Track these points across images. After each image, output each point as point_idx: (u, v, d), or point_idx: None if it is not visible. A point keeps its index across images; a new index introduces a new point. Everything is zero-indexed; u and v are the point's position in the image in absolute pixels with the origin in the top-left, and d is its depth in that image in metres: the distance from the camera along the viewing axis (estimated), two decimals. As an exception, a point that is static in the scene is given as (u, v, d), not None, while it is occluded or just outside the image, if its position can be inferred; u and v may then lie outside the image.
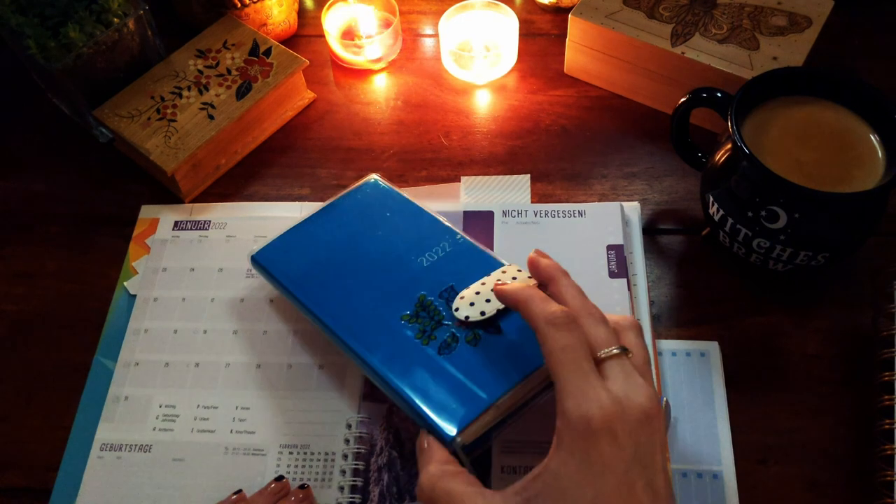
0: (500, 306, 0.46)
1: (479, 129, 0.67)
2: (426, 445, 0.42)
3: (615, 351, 0.40)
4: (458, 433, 0.42)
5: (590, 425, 0.37)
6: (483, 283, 0.48)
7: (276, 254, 0.55)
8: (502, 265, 0.50)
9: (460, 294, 0.48)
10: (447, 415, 0.43)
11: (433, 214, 0.55)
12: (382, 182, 0.58)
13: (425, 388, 0.45)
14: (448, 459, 0.41)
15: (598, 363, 0.39)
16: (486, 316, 0.46)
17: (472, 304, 0.47)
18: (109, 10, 0.62)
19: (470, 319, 0.47)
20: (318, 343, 0.54)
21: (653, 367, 0.51)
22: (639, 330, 0.43)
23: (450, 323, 0.48)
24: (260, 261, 0.55)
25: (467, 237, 0.53)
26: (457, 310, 0.47)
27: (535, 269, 0.46)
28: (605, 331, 0.41)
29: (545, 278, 0.45)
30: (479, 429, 0.43)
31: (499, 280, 0.47)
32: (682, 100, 0.55)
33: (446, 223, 0.54)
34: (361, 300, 0.50)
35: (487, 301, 0.47)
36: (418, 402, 0.44)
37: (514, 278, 0.47)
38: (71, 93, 0.63)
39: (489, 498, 0.38)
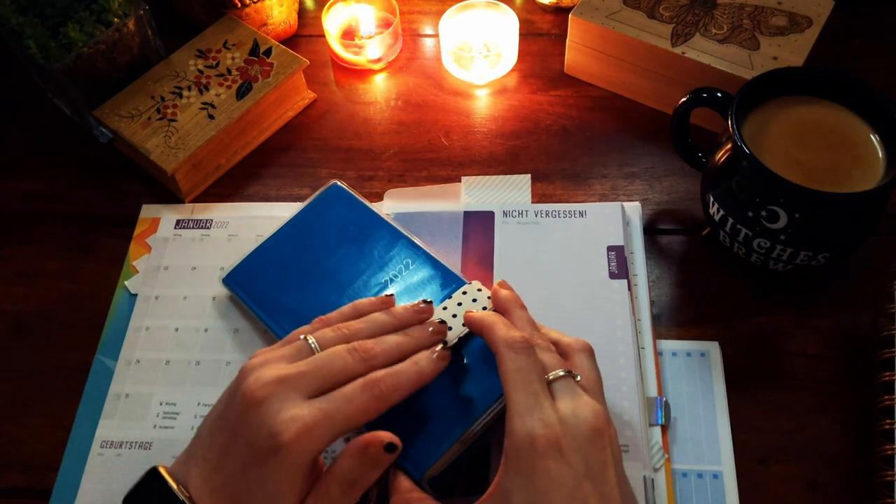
0: (462, 333, 0.47)
1: (479, 129, 0.67)
2: (392, 475, 0.45)
3: (561, 373, 0.42)
4: (424, 472, 0.44)
5: (534, 443, 0.39)
6: (444, 308, 0.49)
7: (244, 277, 0.55)
8: (463, 283, 0.50)
9: None
10: (413, 454, 0.44)
11: (395, 225, 0.55)
12: (345, 189, 0.57)
13: (392, 425, 0.45)
14: (412, 488, 0.43)
15: (548, 385, 0.41)
16: (449, 345, 0.47)
17: None
18: (109, 10, 0.62)
19: None
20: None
21: (653, 367, 0.51)
22: (590, 353, 0.45)
23: None
24: (231, 285, 0.55)
25: (428, 249, 0.53)
26: None
27: (494, 298, 0.48)
28: (552, 357, 0.43)
29: (501, 309, 0.47)
30: (443, 463, 0.44)
31: (459, 303, 0.49)
32: (683, 100, 0.55)
33: (407, 234, 0.54)
34: None
35: (449, 329, 0.47)
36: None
37: (475, 299, 0.49)
38: (71, 93, 0.63)
39: None
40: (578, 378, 0.42)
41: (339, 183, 0.58)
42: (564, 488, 0.38)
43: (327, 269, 0.53)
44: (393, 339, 0.45)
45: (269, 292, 0.53)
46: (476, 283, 0.50)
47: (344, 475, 0.40)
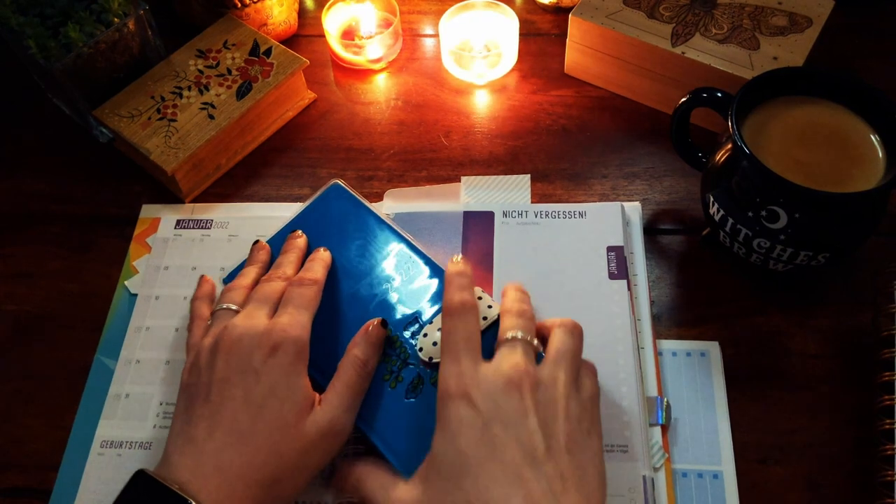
0: None
1: (479, 129, 0.67)
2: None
3: (509, 336, 0.44)
4: (412, 472, 0.43)
5: (447, 394, 0.41)
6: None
7: None
8: None
9: (423, 331, 0.48)
10: (402, 454, 0.44)
11: (395, 227, 0.54)
12: (346, 189, 0.57)
13: (391, 437, 0.45)
14: (371, 458, 0.45)
15: (498, 346, 0.44)
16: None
17: (434, 343, 0.47)
18: (109, 10, 0.62)
19: (434, 361, 0.47)
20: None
21: (653, 367, 0.51)
22: (569, 327, 0.45)
23: (415, 362, 0.48)
24: None
25: (427, 253, 0.53)
26: (420, 349, 0.48)
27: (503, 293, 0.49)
28: (517, 321, 0.45)
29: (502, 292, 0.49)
30: None
31: None
32: (683, 100, 0.55)
33: (407, 237, 0.54)
34: (330, 335, 0.49)
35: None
36: (387, 453, 0.45)
37: None
38: (71, 93, 0.63)
39: (398, 482, 0.42)
40: (536, 343, 0.44)
41: (339, 183, 0.57)
42: (474, 428, 0.40)
43: (330, 275, 0.53)
44: (294, 258, 0.53)
45: None
46: (477, 290, 0.49)
47: (356, 359, 0.46)
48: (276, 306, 0.48)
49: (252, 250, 0.55)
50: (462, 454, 0.39)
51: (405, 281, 0.52)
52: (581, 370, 0.44)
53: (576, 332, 0.45)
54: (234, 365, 0.44)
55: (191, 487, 0.40)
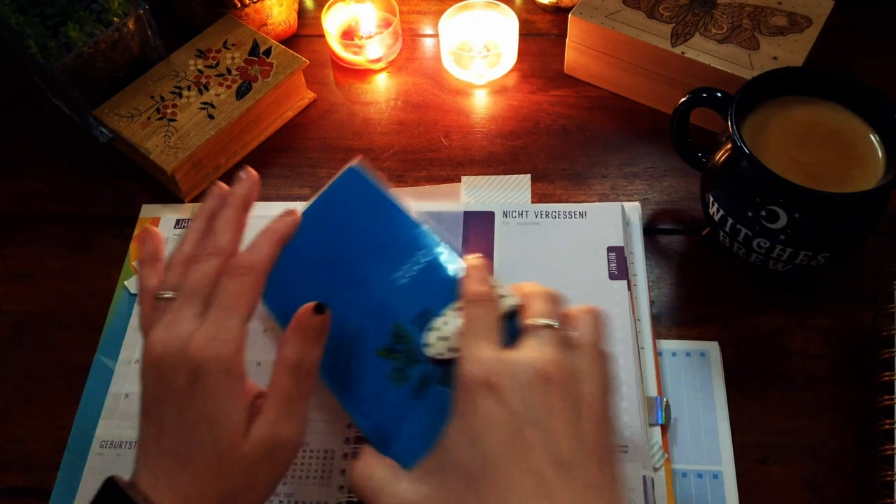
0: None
1: (479, 129, 0.67)
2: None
3: (539, 322, 0.39)
4: (409, 467, 0.41)
5: (469, 382, 0.37)
6: (455, 309, 0.45)
7: None
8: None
9: (432, 325, 0.45)
10: (398, 449, 0.42)
11: (411, 216, 0.51)
12: (361, 173, 0.53)
13: (395, 441, 0.43)
14: (373, 451, 0.42)
15: (524, 332, 0.40)
16: (458, 353, 0.43)
17: (442, 338, 0.45)
18: (109, 10, 0.62)
19: (441, 357, 0.44)
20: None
21: (653, 367, 0.51)
22: (597, 316, 0.42)
23: (423, 359, 0.45)
24: None
25: (446, 244, 0.49)
26: (427, 345, 0.45)
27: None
28: (546, 307, 0.40)
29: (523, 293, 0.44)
30: None
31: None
32: (682, 100, 0.55)
33: (423, 226, 0.50)
34: (338, 328, 0.46)
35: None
36: (389, 456, 0.42)
37: None
38: (71, 93, 0.63)
39: (402, 477, 0.39)
40: (574, 334, 0.40)
41: (355, 166, 0.53)
42: (502, 429, 0.36)
43: (343, 265, 0.50)
44: (231, 216, 0.44)
45: (280, 289, 0.48)
46: (491, 279, 0.46)
47: (287, 361, 0.40)
48: (208, 296, 0.41)
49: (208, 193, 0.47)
50: (485, 455, 0.36)
51: (419, 273, 0.48)
52: None
53: (602, 321, 0.42)
54: (161, 385, 0.40)
55: (154, 500, 0.38)
